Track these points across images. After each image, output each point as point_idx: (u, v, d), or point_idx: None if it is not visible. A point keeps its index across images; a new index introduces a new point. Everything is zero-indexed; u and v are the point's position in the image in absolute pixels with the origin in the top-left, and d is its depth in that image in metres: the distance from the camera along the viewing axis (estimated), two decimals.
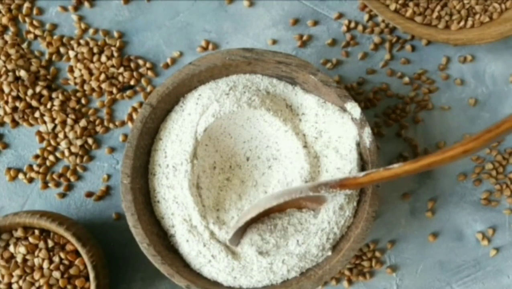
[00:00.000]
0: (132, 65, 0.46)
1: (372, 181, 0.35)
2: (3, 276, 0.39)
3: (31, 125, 0.45)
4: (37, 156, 0.45)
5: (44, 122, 0.45)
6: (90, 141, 0.45)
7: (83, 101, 0.45)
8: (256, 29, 0.47)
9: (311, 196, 0.36)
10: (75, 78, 0.46)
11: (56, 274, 0.39)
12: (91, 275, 0.38)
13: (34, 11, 0.46)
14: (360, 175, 0.35)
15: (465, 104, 0.47)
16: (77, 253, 0.39)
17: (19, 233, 0.39)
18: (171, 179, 0.39)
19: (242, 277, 0.38)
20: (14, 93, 0.44)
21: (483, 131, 0.30)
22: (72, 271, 0.39)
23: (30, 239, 0.39)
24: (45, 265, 0.39)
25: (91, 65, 0.46)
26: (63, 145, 0.45)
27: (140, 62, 0.46)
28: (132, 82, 0.46)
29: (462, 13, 0.45)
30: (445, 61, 0.47)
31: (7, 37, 0.46)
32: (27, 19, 0.46)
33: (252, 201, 0.41)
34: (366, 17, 0.47)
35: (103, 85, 0.45)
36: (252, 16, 0.47)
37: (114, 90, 0.46)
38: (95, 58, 0.46)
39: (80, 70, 0.45)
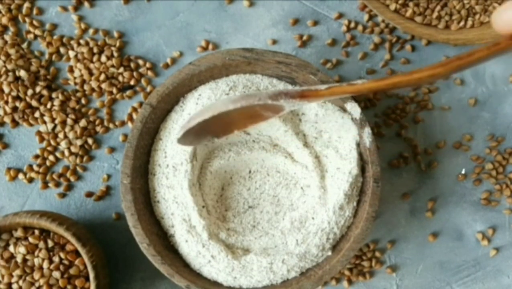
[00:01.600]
0: (132, 65, 0.46)
1: (333, 94, 0.33)
2: (3, 276, 0.39)
3: (31, 125, 0.45)
4: (37, 156, 0.45)
5: (44, 122, 0.45)
6: (90, 141, 0.45)
7: (83, 101, 0.45)
8: (256, 29, 0.47)
9: (269, 104, 0.34)
10: (75, 78, 0.46)
11: (56, 274, 0.39)
12: (91, 275, 0.38)
13: (34, 11, 0.46)
14: (322, 88, 0.33)
15: (465, 104, 0.47)
16: (77, 253, 0.39)
17: (19, 233, 0.39)
18: (171, 179, 0.39)
19: (242, 277, 0.38)
20: (14, 93, 0.44)
21: (454, 58, 0.28)
22: (72, 271, 0.39)
23: (30, 239, 0.39)
24: (45, 265, 0.39)
25: (91, 65, 0.45)
26: (63, 145, 0.45)
27: (140, 62, 0.46)
28: (132, 82, 0.46)
29: (462, 13, 0.45)
30: None
31: (7, 37, 0.46)
32: (27, 19, 0.46)
33: (253, 202, 0.41)
34: (366, 17, 0.47)
35: (103, 85, 0.45)
36: (252, 16, 0.47)
37: (114, 90, 0.46)
38: (95, 58, 0.46)
39: (80, 70, 0.45)
